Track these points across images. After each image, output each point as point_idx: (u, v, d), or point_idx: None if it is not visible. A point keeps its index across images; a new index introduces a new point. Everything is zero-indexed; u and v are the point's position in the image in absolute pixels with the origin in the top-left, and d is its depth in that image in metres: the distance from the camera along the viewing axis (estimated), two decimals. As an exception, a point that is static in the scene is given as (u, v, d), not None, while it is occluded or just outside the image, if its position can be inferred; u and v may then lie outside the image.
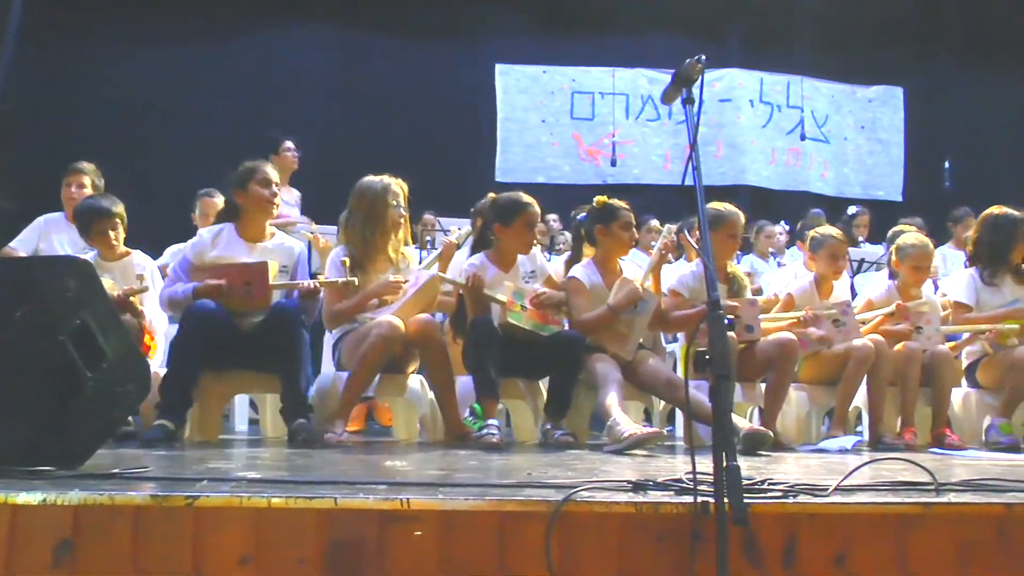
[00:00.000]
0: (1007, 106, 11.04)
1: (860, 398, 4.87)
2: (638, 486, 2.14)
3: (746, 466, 3.12)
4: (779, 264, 7.49)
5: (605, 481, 2.24)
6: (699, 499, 1.97)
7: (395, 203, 4.37)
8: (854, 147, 10.74)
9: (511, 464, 3.09)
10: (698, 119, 2.25)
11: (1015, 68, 10.92)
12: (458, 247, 5.55)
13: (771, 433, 3.96)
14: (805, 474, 2.92)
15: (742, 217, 4.76)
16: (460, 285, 4.36)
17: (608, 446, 3.74)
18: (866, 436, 4.83)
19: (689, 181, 2.20)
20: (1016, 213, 5.13)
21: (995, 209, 5.22)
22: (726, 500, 1.83)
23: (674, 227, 4.93)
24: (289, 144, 6.95)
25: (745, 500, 1.99)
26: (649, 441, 3.65)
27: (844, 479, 2.30)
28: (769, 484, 2.27)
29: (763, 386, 4.65)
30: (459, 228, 5.46)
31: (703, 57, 2.30)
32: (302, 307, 4.20)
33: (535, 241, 4.66)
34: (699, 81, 2.33)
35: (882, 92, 10.91)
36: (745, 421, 4.08)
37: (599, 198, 4.65)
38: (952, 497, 2.26)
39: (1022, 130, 11.04)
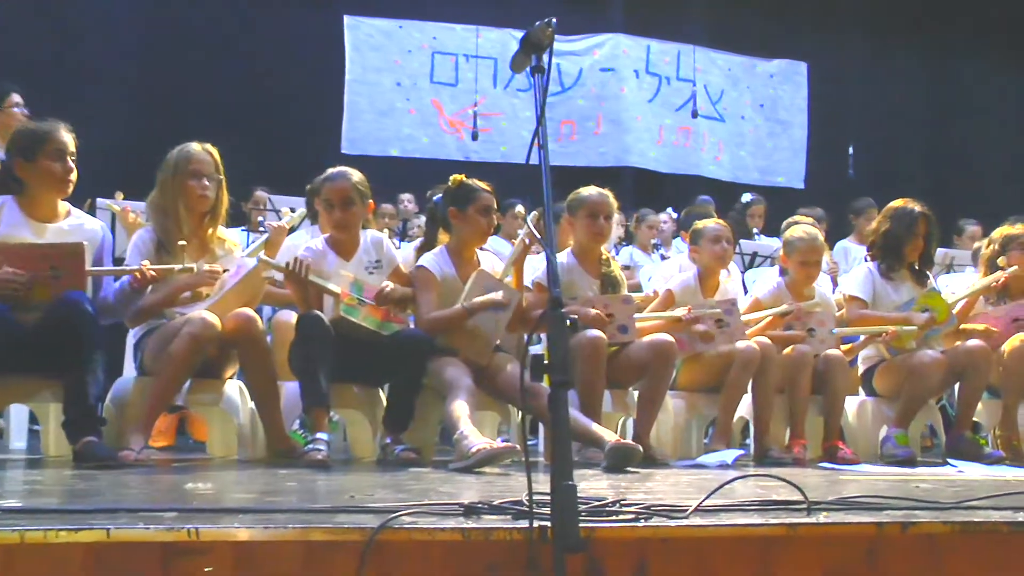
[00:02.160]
0: (919, 87, 11.58)
1: (747, 408, 5.04)
2: (470, 510, 2.17)
3: (607, 484, 3.24)
4: (663, 257, 7.68)
5: (432, 504, 2.25)
6: (536, 524, 2.00)
7: (200, 175, 4.26)
8: (752, 127, 11.08)
9: (336, 485, 3.09)
10: (546, 89, 2.28)
11: (928, 44, 11.45)
12: (291, 231, 5.48)
13: (640, 447, 4.06)
14: (671, 493, 3.01)
15: (610, 197, 4.86)
16: (282, 269, 4.29)
17: (454, 463, 3.77)
18: (752, 449, 5.01)
19: (535, 160, 2.23)
20: (917, 207, 5.39)
21: (898, 201, 5.48)
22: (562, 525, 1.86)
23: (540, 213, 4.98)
24: (17, 98, 6.35)
25: (590, 524, 2.04)
26: (501, 457, 3.69)
27: (705, 499, 2.38)
28: (622, 505, 2.33)
29: (636, 394, 4.76)
30: (292, 210, 5.38)
31: (554, 20, 2.34)
32: (123, 301, 4.07)
33: (384, 225, 4.63)
34: (550, 48, 2.36)
35: (784, 67, 11.27)
36: (612, 433, 4.16)
37: (455, 176, 4.67)
38: (822, 517, 2.36)
39: (933, 114, 11.61)
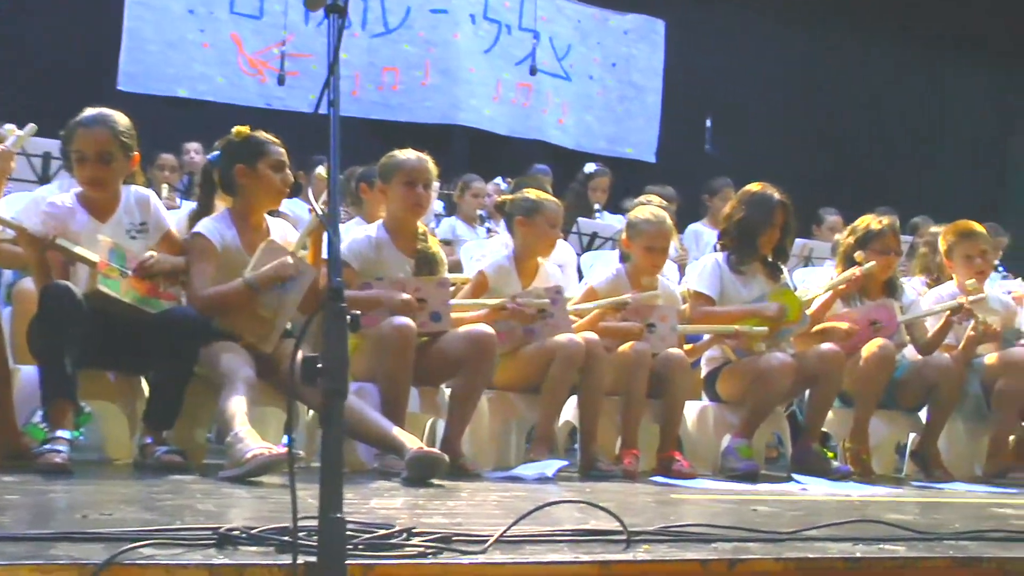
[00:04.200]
0: (790, 57, 11.86)
1: (575, 412, 5.05)
2: (224, 538, 2.08)
3: (401, 503, 3.19)
4: (488, 231, 7.65)
5: (181, 530, 2.15)
6: (302, 559, 1.91)
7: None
8: (601, 89, 11.19)
9: (71, 499, 2.96)
10: (340, 33, 2.21)
11: (802, 9, 11.72)
12: (44, 180, 5.22)
13: (446, 456, 4.04)
14: (475, 516, 2.98)
15: (430, 163, 4.80)
16: (16, 227, 4.06)
17: (225, 470, 3.69)
18: (578, 459, 5.02)
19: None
20: (776, 194, 5.48)
21: (755, 186, 5.57)
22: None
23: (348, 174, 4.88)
24: None
25: (366, 560, 1.97)
26: (281, 465, 3.59)
27: (508, 528, 2.35)
28: (410, 535, 2.27)
29: (448, 392, 4.72)
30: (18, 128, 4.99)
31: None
32: None
33: (164, 180, 4.44)
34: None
35: (640, 23, 11.42)
36: (416, 439, 4.11)
37: (238, 128, 4.52)
38: (641, 552, 2.35)
39: (804, 89, 11.93)
